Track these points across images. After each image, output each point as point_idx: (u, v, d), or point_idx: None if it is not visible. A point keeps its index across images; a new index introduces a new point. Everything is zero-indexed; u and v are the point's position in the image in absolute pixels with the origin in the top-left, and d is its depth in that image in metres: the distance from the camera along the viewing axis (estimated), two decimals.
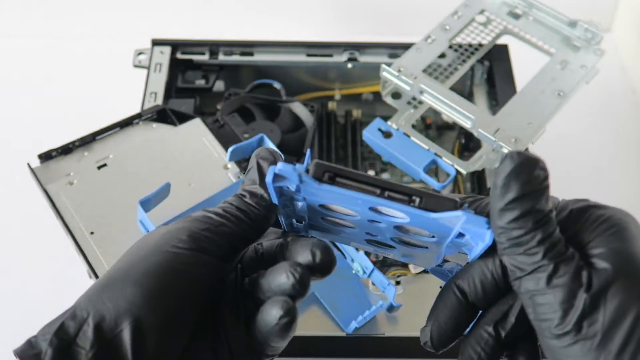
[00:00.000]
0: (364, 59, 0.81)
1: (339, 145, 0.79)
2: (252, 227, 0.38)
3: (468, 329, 0.38)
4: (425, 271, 0.63)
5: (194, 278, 0.36)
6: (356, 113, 0.82)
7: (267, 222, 0.39)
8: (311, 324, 0.58)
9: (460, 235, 0.35)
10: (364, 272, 0.57)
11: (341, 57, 0.81)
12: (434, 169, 0.74)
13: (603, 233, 0.35)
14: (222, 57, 0.81)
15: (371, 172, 0.77)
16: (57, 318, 0.35)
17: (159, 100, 0.74)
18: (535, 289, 0.34)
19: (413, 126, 0.68)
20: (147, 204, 0.56)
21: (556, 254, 0.33)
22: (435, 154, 0.66)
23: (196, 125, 0.66)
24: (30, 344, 0.34)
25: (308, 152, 0.36)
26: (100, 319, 0.34)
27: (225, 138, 0.66)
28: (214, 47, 0.81)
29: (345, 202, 0.35)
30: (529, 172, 0.33)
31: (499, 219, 0.34)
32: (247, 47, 0.81)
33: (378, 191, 0.34)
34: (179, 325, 0.36)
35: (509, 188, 0.33)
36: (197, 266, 0.36)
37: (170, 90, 0.77)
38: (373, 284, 0.59)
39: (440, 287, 0.39)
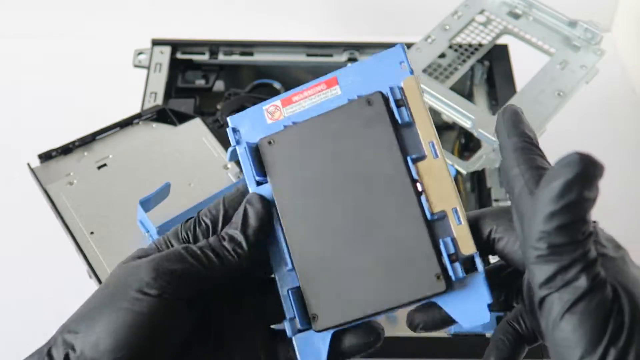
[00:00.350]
0: (364, 59, 0.81)
1: None
2: (222, 273, 0.37)
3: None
4: None
5: (156, 324, 0.35)
6: None
7: (240, 269, 0.37)
8: None
9: None
10: None
11: (341, 57, 0.81)
12: None
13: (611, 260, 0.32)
14: (222, 57, 0.81)
15: None
16: (32, 357, 0.35)
17: (159, 100, 0.74)
18: (562, 309, 0.31)
19: None
20: (147, 204, 0.56)
21: (593, 275, 0.31)
22: None
23: (196, 125, 0.66)
24: None
25: None
26: None
27: (225, 138, 0.66)
28: (214, 47, 0.81)
29: None
30: (594, 177, 0.30)
31: (547, 222, 0.31)
32: (247, 47, 0.81)
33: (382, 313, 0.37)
34: None
35: (571, 190, 0.30)
36: (161, 312, 0.35)
37: (170, 90, 0.77)
38: None
39: None
